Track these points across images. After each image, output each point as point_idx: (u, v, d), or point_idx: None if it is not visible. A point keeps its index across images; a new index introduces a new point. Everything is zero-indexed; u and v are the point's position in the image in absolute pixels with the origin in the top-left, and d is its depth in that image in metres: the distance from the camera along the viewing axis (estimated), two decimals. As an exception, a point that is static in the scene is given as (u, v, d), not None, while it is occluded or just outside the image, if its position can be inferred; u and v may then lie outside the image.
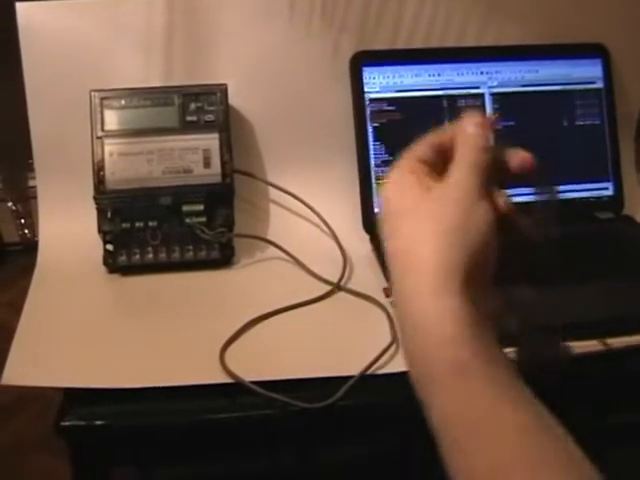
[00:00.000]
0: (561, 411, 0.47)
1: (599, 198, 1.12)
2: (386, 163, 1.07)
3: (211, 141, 1.02)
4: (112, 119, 1.02)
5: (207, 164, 1.01)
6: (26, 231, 1.32)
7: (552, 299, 0.89)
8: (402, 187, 0.52)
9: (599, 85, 1.13)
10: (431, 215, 0.50)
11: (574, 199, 1.11)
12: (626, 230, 1.10)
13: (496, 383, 0.45)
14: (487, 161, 0.53)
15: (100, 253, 1.01)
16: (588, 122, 1.12)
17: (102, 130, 1.01)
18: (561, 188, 1.11)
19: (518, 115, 1.10)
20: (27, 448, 1.25)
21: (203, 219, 1.01)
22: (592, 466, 0.44)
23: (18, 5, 1.05)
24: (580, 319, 0.87)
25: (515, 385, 0.46)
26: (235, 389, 0.80)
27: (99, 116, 1.01)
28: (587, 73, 1.13)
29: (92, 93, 1.02)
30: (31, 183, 1.25)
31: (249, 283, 1.01)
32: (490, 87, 1.10)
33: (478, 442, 0.44)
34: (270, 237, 1.07)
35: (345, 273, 1.00)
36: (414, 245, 0.49)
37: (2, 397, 1.22)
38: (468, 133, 0.54)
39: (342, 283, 0.99)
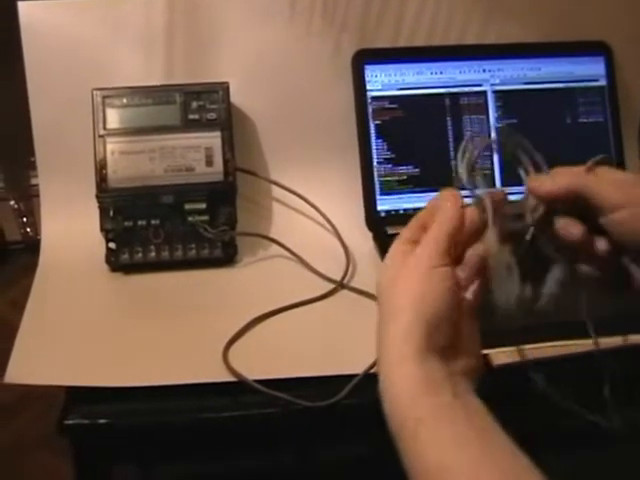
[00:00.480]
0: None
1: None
2: (388, 161, 1.07)
3: (213, 139, 1.02)
4: (114, 118, 1.02)
5: (209, 162, 1.01)
6: (28, 230, 1.32)
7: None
8: (391, 265, 0.59)
9: (602, 83, 1.13)
10: (403, 284, 0.57)
11: (577, 197, 1.11)
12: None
13: (454, 434, 0.51)
14: (453, 229, 0.59)
15: (102, 251, 1.01)
16: (591, 120, 1.12)
17: (104, 129, 1.01)
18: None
19: (520, 113, 1.10)
20: (30, 446, 1.25)
21: (205, 217, 1.00)
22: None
23: (20, 4, 1.05)
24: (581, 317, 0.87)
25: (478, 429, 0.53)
26: (238, 388, 0.80)
27: (101, 115, 1.01)
28: (590, 71, 1.13)
29: (94, 92, 1.02)
30: (33, 182, 1.26)
31: (252, 281, 1.00)
32: (492, 85, 1.10)
33: None
34: (273, 235, 1.06)
35: (348, 271, 1.00)
36: (388, 317, 0.57)
37: (5, 395, 1.22)
38: (438, 207, 0.61)
39: (345, 281, 0.99)
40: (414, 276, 0.56)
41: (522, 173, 0.64)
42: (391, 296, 0.57)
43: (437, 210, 0.60)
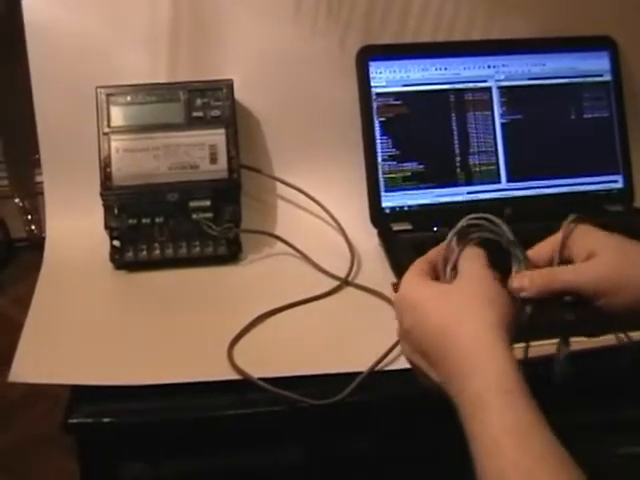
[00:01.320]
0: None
1: (609, 191, 1.12)
2: (393, 157, 1.06)
3: (217, 137, 1.02)
4: (118, 115, 1.02)
5: (213, 160, 1.01)
6: (33, 227, 1.32)
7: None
8: (416, 282, 0.66)
9: (607, 78, 1.12)
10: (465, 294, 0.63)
11: (584, 192, 1.11)
12: (636, 223, 1.09)
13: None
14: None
15: (107, 249, 1.01)
16: (596, 115, 1.12)
17: (108, 126, 1.01)
18: (571, 181, 1.10)
19: (525, 109, 1.10)
20: (35, 444, 1.25)
21: (210, 215, 1.00)
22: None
23: (24, 1, 1.05)
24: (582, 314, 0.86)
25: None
26: (243, 386, 0.79)
27: (105, 112, 1.01)
28: (595, 66, 1.12)
29: (98, 89, 1.02)
30: (38, 179, 1.26)
31: (256, 279, 1.00)
32: (497, 81, 1.09)
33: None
34: (277, 232, 1.06)
35: (353, 268, 1.00)
36: (463, 314, 0.61)
37: (11, 393, 1.22)
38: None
39: (350, 278, 0.99)
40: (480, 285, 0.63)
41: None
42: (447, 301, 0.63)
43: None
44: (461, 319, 0.61)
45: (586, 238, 0.68)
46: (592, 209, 1.09)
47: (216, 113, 1.02)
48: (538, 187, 1.09)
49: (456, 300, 0.62)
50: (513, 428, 0.54)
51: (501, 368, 0.57)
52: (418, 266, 0.67)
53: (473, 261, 0.65)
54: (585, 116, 1.11)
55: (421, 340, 0.62)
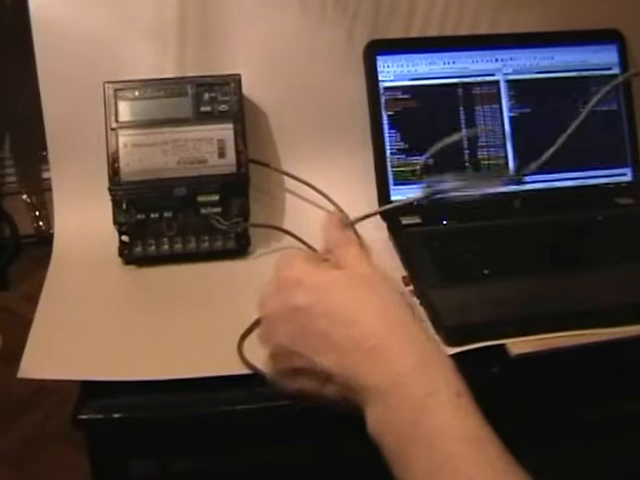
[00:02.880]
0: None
1: (618, 184, 1.11)
2: (401, 151, 1.06)
3: (225, 131, 1.01)
4: (126, 110, 1.01)
5: (222, 154, 1.01)
6: (41, 223, 1.32)
7: (568, 285, 0.89)
8: (313, 264, 0.62)
9: (615, 71, 1.12)
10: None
11: (593, 185, 1.10)
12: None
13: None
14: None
15: (115, 244, 1.00)
16: (605, 108, 1.11)
17: (116, 121, 1.01)
18: (580, 174, 1.10)
19: (534, 102, 1.10)
20: (47, 440, 1.25)
21: (218, 209, 1.00)
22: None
23: (31, -3, 1.05)
24: (596, 306, 0.87)
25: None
26: (253, 380, 0.78)
27: (113, 107, 1.01)
28: (603, 59, 1.12)
29: (106, 85, 1.01)
30: (45, 175, 1.25)
31: (266, 273, 0.98)
32: (505, 74, 1.09)
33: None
34: (286, 226, 1.06)
35: (362, 262, 0.99)
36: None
37: (20, 389, 1.22)
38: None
39: (359, 272, 0.98)
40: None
41: None
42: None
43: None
44: (385, 308, 0.56)
45: None
46: (602, 202, 1.09)
47: (224, 108, 1.02)
48: (547, 180, 1.09)
49: (372, 288, 0.58)
50: (466, 438, 0.49)
51: (446, 364, 0.53)
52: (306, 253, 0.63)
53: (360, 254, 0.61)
54: (593, 109, 1.10)
55: (317, 326, 0.56)
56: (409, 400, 0.51)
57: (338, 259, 0.61)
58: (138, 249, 1.00)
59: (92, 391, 0.79)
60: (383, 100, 1.07)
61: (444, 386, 0.51)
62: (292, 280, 0.60)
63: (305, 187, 1.08)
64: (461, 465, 0.48)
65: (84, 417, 0.78)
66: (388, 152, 1.06)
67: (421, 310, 0.89)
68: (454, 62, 1.09)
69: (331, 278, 0.59)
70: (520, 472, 0.49)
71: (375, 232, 1.04)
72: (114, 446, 0.84)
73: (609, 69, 1.12)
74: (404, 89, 1.07)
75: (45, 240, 1.09)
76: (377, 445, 0.53)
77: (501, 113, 1.09)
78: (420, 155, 1.06)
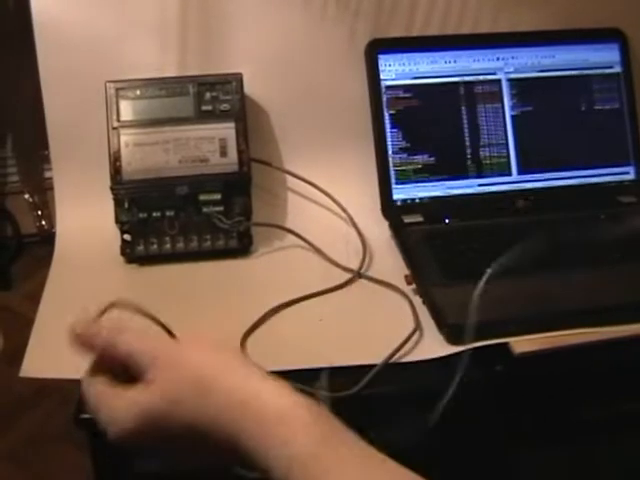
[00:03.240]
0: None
1: (621, 182, 1.11)
2: (403, 150, 1.06)
3: (227, 130, 1.01)
4: (128, 109, 1.01)
5: (223, 153, 1.01)
6: (43, 222, 1.32)
7: (571, 283, 0.89)
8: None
9: (617, 69, 1.12)
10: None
11: (595, 184, 1.10)
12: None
13: None
14: None
15: (117, 243, 1.00)
16: (607, 107, 1.11)
17: (118, 121, 1.01)
18: (582, 173, 1.10)
19: (535, 101, 1.09)
20: (48, 439, 1.25)
21: (220, 208, 1.00)
22: None
23: (32, -4, 1.05)
24: (599, 304, 0.87)
25: None
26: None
27: (115, 107, 1.01)
28: (604, 58, 1.12)
29: (107, 84, 1.01)
30: (47, 175, 1.25)
31: (268, 272, 1.00)
32: (507, 73, 1.09)
33: None
34: (288, 225, 1.06)
35: (365, 260, 1.00)
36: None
37: (22, 388, 1.21)
38: None
39: (362, 270, 0.98)
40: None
41: None
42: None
43: None
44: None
45: None
46: (604, 200, 1.09)
47: (226, 107, 1.02)
48: (549, 179, 1.09)
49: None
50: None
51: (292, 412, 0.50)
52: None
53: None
54: (595, 108, 1.11)
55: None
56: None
57: (129, 349, 0.57)
58: (140, 248, 1.00)
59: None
60: (385, 99, 1.06)
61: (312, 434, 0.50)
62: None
63: (307, 186, 1.08)
64: None
65: (86, 416, 0.77)
66: (390, 151, 1.06)
67: (424, 308, 0.89)
68: (455, 61, 1.08)
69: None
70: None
71: (377, 230, 1.05)
72: (116, 446, 0.84)
73: (611, 68, 1.12)
74: (406, 88, 1.07)
75: (47, 239, 1.09)
76: None
77: (503, 112, 1.09)
78: (422, 154, 1.07)
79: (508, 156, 1.08)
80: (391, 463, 0.50)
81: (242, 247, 1.02)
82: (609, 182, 1.10)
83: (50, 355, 0.84)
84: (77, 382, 0.78)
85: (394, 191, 1.06)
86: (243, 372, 0.54)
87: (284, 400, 0.52)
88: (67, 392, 0.84)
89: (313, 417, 0.51)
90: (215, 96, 1.02)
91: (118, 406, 0.55)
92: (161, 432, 0.54)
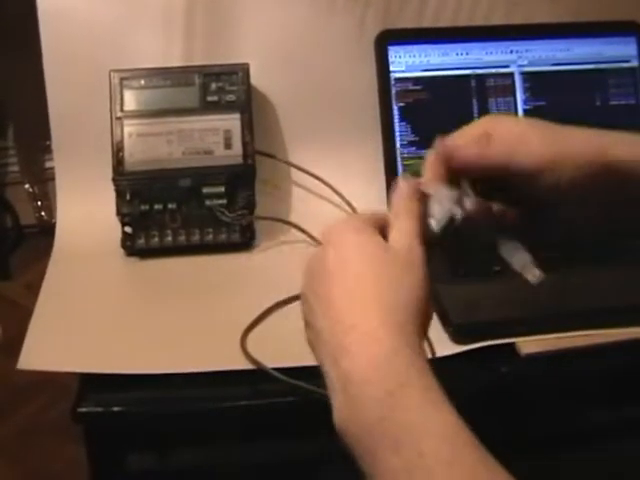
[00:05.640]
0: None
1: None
2: (412, 144, 1.04)
3: (232, 122, 1.00)
4: (131, 99, 1.00)
5: (228, 145, 1.00)
6: (43, 213, 1.31)
7: (580, 284, 0.87)
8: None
9: (633, 63, 1.09)
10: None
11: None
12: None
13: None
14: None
15: (118, 236, 0.99)
16: (622, 102, 1.09)
17: (121, 111, 1.00)
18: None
19: (549, 95, 1.07)
20: (44, 432, 1.25)
21: (223, 201, 0.99)
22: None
23: (36, -15, 1.04)
24: (607, 306, 0.86)
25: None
26: (256, 376, 0.78)
27: (118, 96, 1.00)
28: (621, 51, 1.09)
29: (111, 73, 1.00)
30: (48, 165, 1.25)
31: (270, 266, 0.99)
32: (520, 66, 1.07)
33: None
34: (292, 219, 1.05)
35: (369, 256, 0.98)
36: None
37: (19, 380, 1.22)
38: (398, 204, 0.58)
39: (366, 267, 0.96)
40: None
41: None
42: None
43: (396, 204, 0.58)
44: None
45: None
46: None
47: (231, 98, 1.01)
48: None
49: (385, 266, 0.53)
50: (439, 435, 0.45)
51: (415, 362, 0.48)
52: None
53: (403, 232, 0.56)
54: (611, 103, 1.08)
55: (323, 290, 0.54)
56: (374, 394, 0.47)
57: (390, 229, 0.57)
58: (141, 241, 0.99)
59: (92, 384, 0.79)
60: (394, 91, 1.05)
61: (415, 380, 0.47)
62: (333, 241, 0.56)
63: (312, 179, 1.06)
64: (434, 465, 0.44)
65: (83, 410, 0.77)
66: (398, 144, 1.04)
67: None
68: (467, 53, 1.06)
69: (360, 246, 0.54)
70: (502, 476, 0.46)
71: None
72: (113, 440, 0.84)
73: (627, 61, 1.09)
74: (416, 80, 1.05)
75: (47, 230, 1.08)
76: (340, 436, 0.50)
77: (515, 106, 1.06)
78: (431, 148, 1.04)
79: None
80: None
81: (245, 241, 1.01)
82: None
83: (49, 347, 0.83)
84: (75, 375, 0.79)
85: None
86: None
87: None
88: (65, 385, 0.84)
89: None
90: (221, 87, 1.01)
91: None
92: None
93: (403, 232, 0.56)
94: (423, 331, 0.53)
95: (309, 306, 0.55)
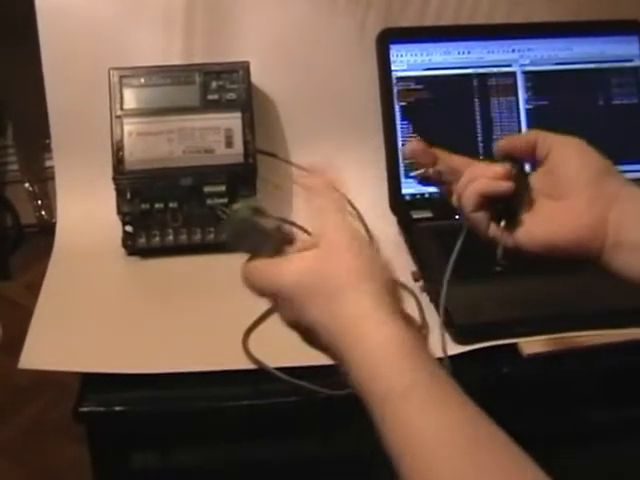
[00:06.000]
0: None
1: (636, 181, 1.08)
2: (414, 143, 1.04)
3: (233, 120, 1.00)
4: (131, 98, 1.00)
5: (229, 144, 0.99)
6: (43, 213, 1.30)
7: (582, 285, 0.87)
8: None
9: (636, 63, 1.09)
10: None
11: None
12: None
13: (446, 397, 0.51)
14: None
15: (119, 235, 0.99)
16: (624, 102, 1.08)
17: (121, 109, 0.99)
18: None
19: (551, 95, 1.07)
20: (46, 432, 1.25)
21: (225, 200, 0.98)
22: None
23: (35, -18, 1.03)
24: (609, 307, 0.85)
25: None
26: (258, 375, 0.78)
27: (118, 95, 1.00)
28: (623, 51, 1.09)
29: (111, 71, 1.00)
30: (48, 164, 1.25)
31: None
32: (522, 65, 1.07)
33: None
34: (293, 218, 1.03)
35: (372, 256, 0.97)
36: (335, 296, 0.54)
37: (21, 380, 1.22)
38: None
39: (368, 266, 0.96)
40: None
41: None
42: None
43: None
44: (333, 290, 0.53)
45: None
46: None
47: (232, 96, 1.01)
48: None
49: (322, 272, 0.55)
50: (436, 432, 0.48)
51: (398, 355, 0.50)
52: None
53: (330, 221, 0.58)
54: (613, 103, 1.08)
55: (311, 321, 0.55)
56: (377, 391, 0.50)
57: (318, 230, 0.59)
58: (142, 240, 0.99)
59: (93, 383, 0.79)
60: (395, 90, 1.04)
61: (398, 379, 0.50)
62: (273, 295, 0.59)
63: (314, 178, 1.06)
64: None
65: (85, 410, 0.77)
66: (400, 144, 1.04)
67: (431, 306, 0.87)
68: (469, 52, 1.06)
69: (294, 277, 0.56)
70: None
71: (385, 226, 1.03)
72: (115, 439, 0.84)
73: (630, 61, 1.09)
74: (417, 79, 1.05)
75: (47, 230, 1.08)
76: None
77: (517, 105, 1.06)
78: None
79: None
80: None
81: (246, 240, 1.00)
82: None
83: (49, 347, 0.83)
84: (76, 374, 0.79)
85: (403, 186, 1.03)
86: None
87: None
88: (66, 385, 0.83)
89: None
90: (221, 85, 1.01)
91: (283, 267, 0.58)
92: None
93: (336, 228, 0.58)
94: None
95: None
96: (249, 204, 0.61)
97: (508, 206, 0.64)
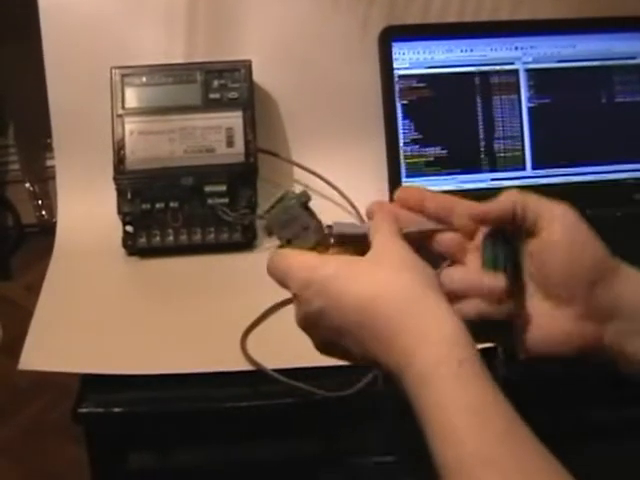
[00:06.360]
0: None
1: (638, 179, 1.07)
2: (415, 142, 1.04)
3: (234, 119, 1.00)
4: (133, 97, 1.00)
5: (230, 143, 0.99)
6: (43, 212, 1.30)
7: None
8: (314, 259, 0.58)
9: (640, 60, 1.09)
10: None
11: (612, 181, 1.06)
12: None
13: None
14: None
15: (119, 235, 0.99)
16: (628, 99, 1.07)
17: (122, 108, 0.99)
18: (599, 169, 1.06)
19: (554, 92, 1.06)
20: (46, 432, 1.26)
21: (225, 200, 0.98)
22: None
23: (37, -20, 1.03)
24: None
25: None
26: (256, 377, 0.78)
27: (120, 94, 1.00)
28: (627, 48, 1.08)
29: (113, 70, 1.00)
30: (49, 163, 1.25)
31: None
32: (525, 63, 1.06)
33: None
34: (294, 219, 1.04)
35: (372, 256, 0.97)
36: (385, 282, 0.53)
37: (20, 381, 1.22)
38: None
39: (368, 267, 0.96)
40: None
41: None
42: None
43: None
44: (386, 288, 0.52)
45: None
46: (620, 199, 1.05)
47: (234, 95, 1.00)
48: (564, 175, 1.06)
49: (372, 270, 0.54)
50: (469, 407, 0.47)
51: (448, 333, 0.49)
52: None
53: (382, 232, 0.57)
54: (617, 100, 1.07)
55: (339, 322, 0.53)
56: (413, 376, 0.49)
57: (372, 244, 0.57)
58: (142, 240, 0.99)
59: (92, 385, 0.79)
60: (397, 89, 1.04)
61: (445, 357, 0.49)
62: (301, 286, 0.56)
63: (315, 178, 1.06)
64: (465, 437, 0.46)
65: (84, 411, 0.77)
66: (401, 143, 1.03)
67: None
68: (472, 50, 1.06)
69: (333, 270, 0.55)
70: (529, 442, 0.48)
71: (386, 225, 1.02)
72: (114, 440, 0.84)
73: (634, 58, 1.08)
74: (419, 77, 1.04)
75: (48, 230, 1.08)
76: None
77: (520, 103, 1.05)
78: (434, 147, 1.04)
79: (523, 150, 1.05)
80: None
81: (246, 241, 1.00)
82: (626, 179, 1.07)
83: (49, 348, 0.84)
84: (75, 376, 0.79)
85: (404, 184, 1.03)
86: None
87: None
88: (65, 385, 0.84)
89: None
90: (223, 84, 1.01)
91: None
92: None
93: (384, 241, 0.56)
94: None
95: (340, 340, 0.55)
96: (301, 194, 0.62)
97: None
